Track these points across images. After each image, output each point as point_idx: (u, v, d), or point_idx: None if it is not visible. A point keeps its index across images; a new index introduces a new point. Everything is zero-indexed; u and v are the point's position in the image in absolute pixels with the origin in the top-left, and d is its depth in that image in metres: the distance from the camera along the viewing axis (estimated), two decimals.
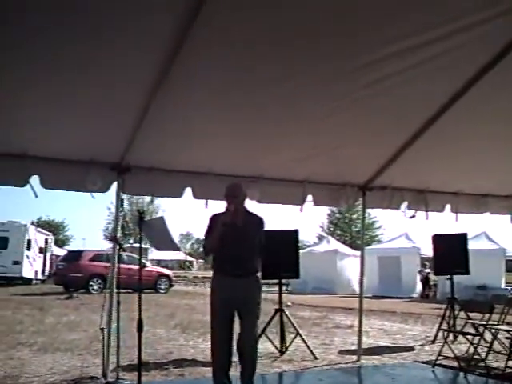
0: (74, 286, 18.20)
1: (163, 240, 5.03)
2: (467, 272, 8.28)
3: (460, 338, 7.25)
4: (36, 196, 4.67)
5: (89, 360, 6.10)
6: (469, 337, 6.26)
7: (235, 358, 4.44)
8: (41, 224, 45.87)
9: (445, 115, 4.93)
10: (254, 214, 4.51)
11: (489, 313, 6.05)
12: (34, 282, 23.80)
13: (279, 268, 6.77)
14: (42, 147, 4.64)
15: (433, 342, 7.87)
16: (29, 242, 23.36)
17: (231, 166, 5.42)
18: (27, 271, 23.21)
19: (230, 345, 4.34)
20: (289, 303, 13.17)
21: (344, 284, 20.71)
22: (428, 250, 13.27)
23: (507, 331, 6.37)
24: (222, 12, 3.33)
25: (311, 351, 6.61)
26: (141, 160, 5.02)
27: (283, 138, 5.01)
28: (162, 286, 20.46)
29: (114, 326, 5.05)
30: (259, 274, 4.58)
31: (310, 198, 6.00)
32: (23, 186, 4.66)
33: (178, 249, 14.09)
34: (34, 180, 4.67)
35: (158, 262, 37.41)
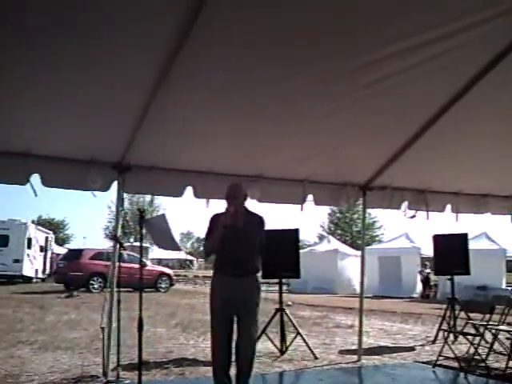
0: (74, 285, 18.21)
1: (164, 238, 5.03)
2: (467, 272, 8.27)
3: (460, 338, 7.25)
4: (36, 195, 4.69)
5: (89, 359, 6.11)
6: (469, 337, 6.27)
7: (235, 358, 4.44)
8: (41, 222, 45.95)
9: (445, 115, 4.92)
10: (255, 214, 4.51)
11: (489, 313, 6.04)
12: (34, 280, 23.81)
13: (280, 267, 6.77)
14: (42, 146, 4.65)
15: (433, 342, 7.86)
16: (29, 240, 23.37)
17: (232, 166, 5.42)
18: (28, 269, 23.23)
19: (229, 344, 4.33)
20: (289, 303, 13.17)
21: (344, 284, 20.69)
22: (428, 250, 13.26)
23: (508, 332, 6.37)
24: (221, 12, 3.33)
25: (311, 351, 6.61)
26: (141, 159, 5.02)
27: (284, 138, 5.01)
28: (163, 285, 20.48)
29: (114, 324, 5.06)
30: (259, 274, 4.58)
31: (310, 197, 6.00)
32: (24, 184, 4.67)
33: (178, 248, 14.07)
34: (34, 179, 4.68)
35: (159, 261, 37.42)
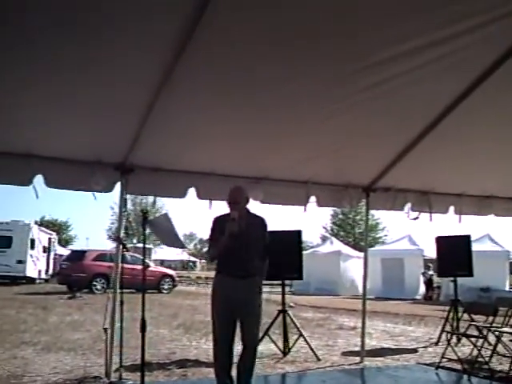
0: (77, 286, 18.21)
1: (168, 236, 5.03)
2: (471, 274, 8.25)
3: (463, 340, 7.21)
4: (37, 197, 4.69)
5: (92, 360, 6.12)
6: (472, 339, 6.23)
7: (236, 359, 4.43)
8: (44, 223, 45.99)
9: (449, 117, 4.91)
10: (257, 216, 4.50)
11: (493, 315, 6.02)
12: (37, 281, 23.85)
13: (282, 269, 6.75)
14: (43, 147, 4.65)
15: (436, 344, 7.84)
16: (32, 241, 23.43)
17: (235, 167, 5.42)
18: (31, 270, 23.28)
19: (231, 345, 4.32)
20: (292, 304, 13.15)
21: (347, 285, 20.67)
22: (431, 252, 13.24)
23: (511, 334, 6.34)
24: (222, 12, 3.31)
25: (314, 352, 6.60)
26: (144, 160, 5.02)
27: (288, 139, 5.01)
28: (166, 286, 20.48)
29: (117, 325, 5.06)
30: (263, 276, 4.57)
31: (313, 198, 5.99)
32: (28, 184, 4.67)
33: (183, 246, 14.10)
34: (37, 180, 4.68)
35: (162, 262, 37.46)
